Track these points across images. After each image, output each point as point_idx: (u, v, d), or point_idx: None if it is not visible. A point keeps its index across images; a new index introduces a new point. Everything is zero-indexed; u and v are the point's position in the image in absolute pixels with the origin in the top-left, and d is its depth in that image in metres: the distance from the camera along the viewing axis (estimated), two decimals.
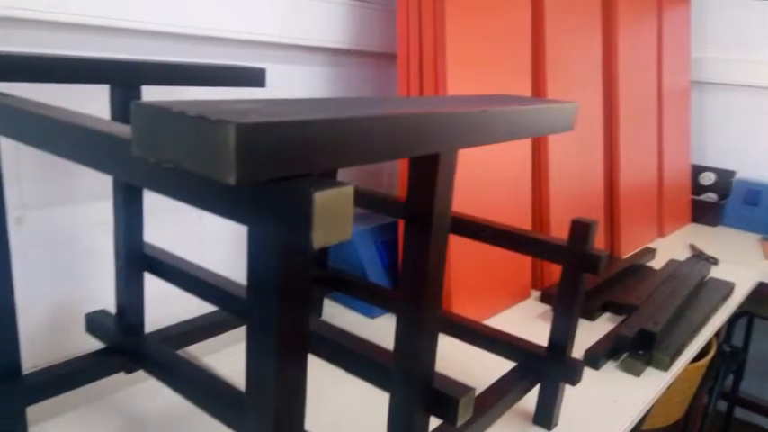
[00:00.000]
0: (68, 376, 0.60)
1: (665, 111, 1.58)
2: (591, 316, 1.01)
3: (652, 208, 1.54)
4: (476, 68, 0.93)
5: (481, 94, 0.92)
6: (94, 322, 0.67)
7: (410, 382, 0.51)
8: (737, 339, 1.79)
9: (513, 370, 0.68)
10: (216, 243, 0.91)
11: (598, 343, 0.89)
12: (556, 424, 0.70)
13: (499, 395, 0.63)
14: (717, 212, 1.71)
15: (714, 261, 1.37)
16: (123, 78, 0.60)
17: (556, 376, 0.66)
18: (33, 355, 0.72)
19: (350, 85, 1.08)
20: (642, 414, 0.77)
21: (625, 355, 0.87)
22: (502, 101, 0.53)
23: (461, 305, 0.92)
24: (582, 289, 0.63)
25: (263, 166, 0.27)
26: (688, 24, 1.72)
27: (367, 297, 0.83)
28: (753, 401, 1.87)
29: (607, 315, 1.04)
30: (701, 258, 1.35)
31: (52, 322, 0.73)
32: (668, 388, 0.86)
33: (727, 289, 1.16)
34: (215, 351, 0.79)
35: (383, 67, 1.13)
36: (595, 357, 0.85)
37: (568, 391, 0.77)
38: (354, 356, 0.58)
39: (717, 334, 1.44)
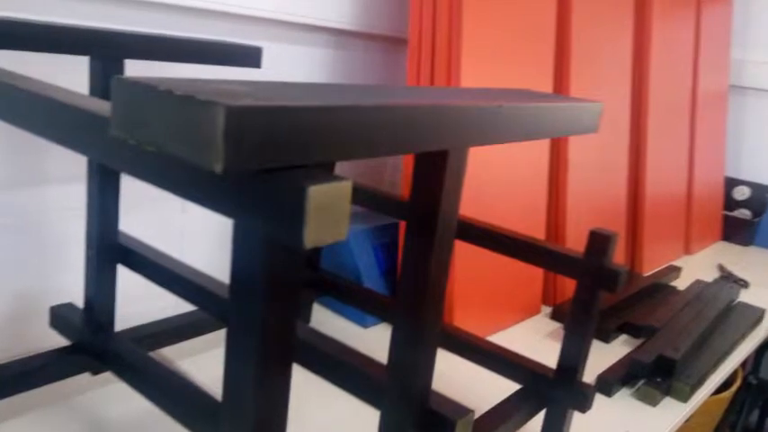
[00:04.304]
0: (28, 374, 0.60)
1: (698, 116, 1.57)
2: (606, 337, 1.01)
3: (679, 222, 1.54)
4: (493, 59, 0.93)
5: (498, 87, 0.92)
6: (60, 317, 0.67)
7: (404, 399, 0.51)
8: (765, 371, 1.78)
9: (517, 392, 0.68)
10: (199, 237, 0.91)
11: (612, 368, 0.89)
12: None
13: (501, 419, 0.62)
14: (750, 231, 1.71)
15: (744, 284, 1.37)
16: (105, 50, 0.60)
17: (564, 401, 0.66)
18: None
19: (354, 70, 1.08)
20: None
21: (641, 382, 0.87)
22: (520, 96, 0.53)
23: (464, 318, 0.92)
24: (597, 307, 0.63)
25: (254, 155, 0.27)
26: (729, 23, 1.72)
27: (361, 304, 0.83)
28: None
29: (623, 337, 1.04)
30: (729, 280, 1.35)
31: (13, 314, 0.73)
32: (687, 421, 0.86)
33: (756, 315, 1.16)
34: (191, 355, 0.79)
35: (392, 52, 1.13)
36: (608, 383, 0.85)
37: (577, 419, 0.77)
38: (344, 369, 0.58)
39: (743, 364, 1.44)
